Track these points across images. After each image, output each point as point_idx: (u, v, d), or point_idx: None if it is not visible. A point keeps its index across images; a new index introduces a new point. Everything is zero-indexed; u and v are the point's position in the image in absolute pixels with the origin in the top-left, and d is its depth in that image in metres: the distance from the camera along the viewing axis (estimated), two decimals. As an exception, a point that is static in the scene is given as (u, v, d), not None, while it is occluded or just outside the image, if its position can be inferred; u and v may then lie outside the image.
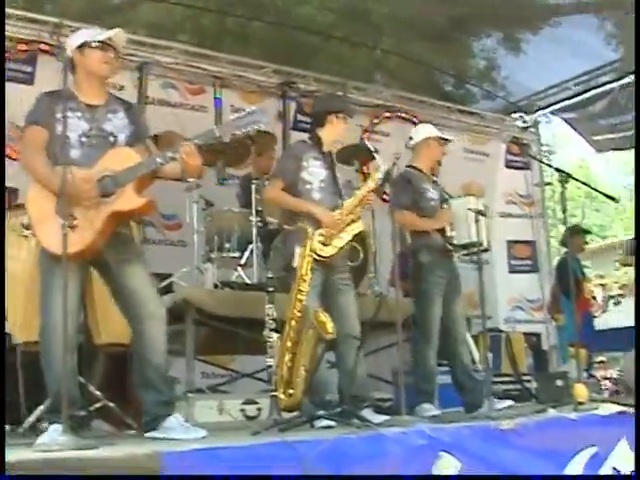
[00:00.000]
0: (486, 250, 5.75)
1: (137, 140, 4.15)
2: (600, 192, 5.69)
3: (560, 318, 9.07)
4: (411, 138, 6.06)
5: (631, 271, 8.82)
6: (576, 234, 9.29)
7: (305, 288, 4.36)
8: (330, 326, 4.08)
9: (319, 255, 4.78)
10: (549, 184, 10.54)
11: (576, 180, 5.29)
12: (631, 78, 9.41)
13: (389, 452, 3.44)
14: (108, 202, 3.86)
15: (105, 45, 4.09)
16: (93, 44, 4.07)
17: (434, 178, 6.03)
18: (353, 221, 4.99)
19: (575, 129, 10.27)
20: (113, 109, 4.15)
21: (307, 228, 4.62)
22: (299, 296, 4.36)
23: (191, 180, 5.59)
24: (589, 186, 5.76)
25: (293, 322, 4.33)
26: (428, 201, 5.82)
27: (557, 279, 9.19)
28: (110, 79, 4.30)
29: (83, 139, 3.98)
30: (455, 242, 5.63)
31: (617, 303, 17.33)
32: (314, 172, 5.07)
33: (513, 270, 10.20)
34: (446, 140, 6.05)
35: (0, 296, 3.92)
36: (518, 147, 10.11)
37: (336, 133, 5.24)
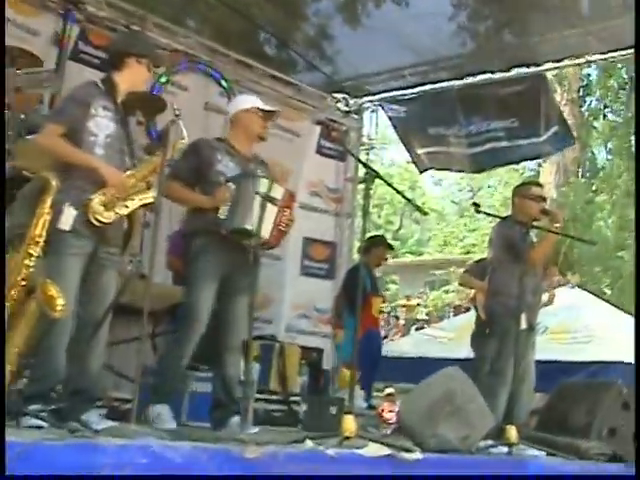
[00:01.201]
0: (266, 245, 5.66)
1: None
2: (409, 200, 5.77)
3: (340, 334, 9.17)
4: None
5: (460, 294, 9.03)
6: (377, 245, 9.45)
7: (36, 252, 4.14)
8: (60, 303, 3.88)
9: (97, 220, 4.69)
10: (364, 182, 10.63)
11: (386, 183, 5.33)
12: (474, 79, 9.68)
13: (100, 468, 3.30)
14: None
15: None
16: None
17: (250, 155, 5.94)
18: (148, 189, 4.89)
19: (400, 136, 10.45)
20: None
21: (51, 181, 4.39)
22: (26, 262, 4.13)
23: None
24: (398, 192, 5.80)
25: (14, 292, 4.10)
26: (217, 175, 5.69)
27: (343, 290, 9.30)
28: None
29: None
30: (230, 227, 5.52)
31: (420, 328, 17.98)
32: (101, 124, 4.88)
33: (306, 272, 10.25)
34: (270, 113, 6.02)
35: (0, 297, 3.59)
36: (334, 133, 10.17)
37: (134, 81, 5.09)
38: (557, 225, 6.78)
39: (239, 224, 5.47)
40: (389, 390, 13.14)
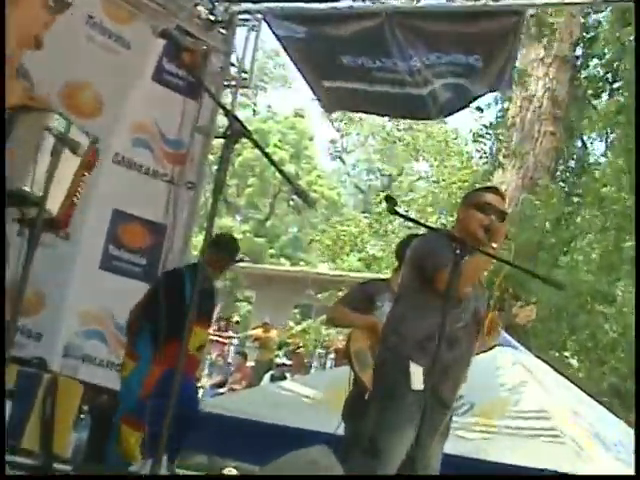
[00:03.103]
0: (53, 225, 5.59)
1: None
2: (287, 179, 5.72)
3: (129, 365, 8.97)
4: None
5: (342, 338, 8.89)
6: (221, 248, 9.14)
7: None
8: None
9: None
10: (224, 137, 10.58)
11: (255, 145, 5.32)
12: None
13: None
14: None
15: None
16: None
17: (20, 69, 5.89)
18: None
19: (295, 61, 10.50)
20: None
21: None
22: None
23: None
24: (272, 162, 5.77)
25: None
26: None
27: (148, 300, 9.12)
28: None
29: None
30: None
31: (278, 378, 18.02)
32: None
33: (109, 266, 10.25)
34: (59, 5, 5.94)
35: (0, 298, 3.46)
36: (187, 54, 10.11)
37: None
38: (493, 245, 6.70)
39: (14, 183, 5.39)
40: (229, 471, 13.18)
